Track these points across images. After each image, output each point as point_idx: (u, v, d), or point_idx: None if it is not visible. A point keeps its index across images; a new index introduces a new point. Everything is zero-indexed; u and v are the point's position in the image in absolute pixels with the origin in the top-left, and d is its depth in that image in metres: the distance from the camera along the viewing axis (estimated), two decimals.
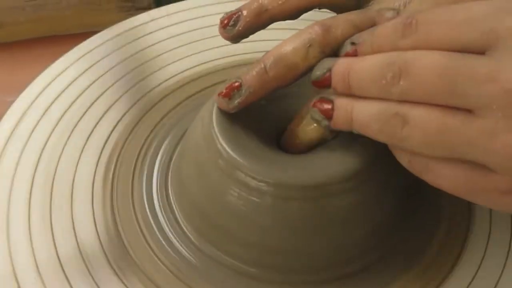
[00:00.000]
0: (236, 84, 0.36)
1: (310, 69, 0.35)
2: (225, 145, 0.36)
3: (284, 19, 0.38)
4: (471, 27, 0.30)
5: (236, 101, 0.36)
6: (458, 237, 0.39)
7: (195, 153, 0.38)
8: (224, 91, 0.36)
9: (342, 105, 0.34)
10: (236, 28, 0.38)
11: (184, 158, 0.40)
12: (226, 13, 0.38)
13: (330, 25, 0.35)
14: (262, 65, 0.35)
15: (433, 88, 0.30)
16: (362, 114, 0.33)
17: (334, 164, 0.35)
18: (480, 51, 0.30)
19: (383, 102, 0.32)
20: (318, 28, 0.35)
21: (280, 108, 0.39)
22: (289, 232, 0.36)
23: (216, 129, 0.36)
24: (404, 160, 0.33)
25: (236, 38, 0.38)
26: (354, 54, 0.34)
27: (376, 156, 0.36)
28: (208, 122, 0.37)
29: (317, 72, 0.35)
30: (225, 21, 0.38)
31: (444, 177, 0.32)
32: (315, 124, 0.36)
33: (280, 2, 0.37)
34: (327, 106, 0.35)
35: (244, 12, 0.38)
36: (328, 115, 0.35)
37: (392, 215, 0.38)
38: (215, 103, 0.37)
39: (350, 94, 0.34)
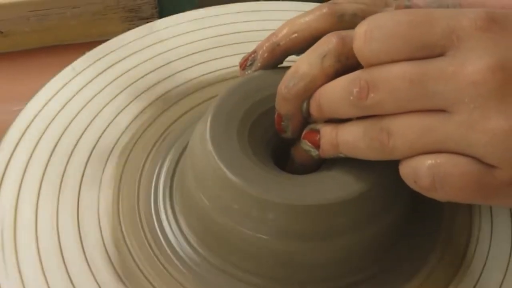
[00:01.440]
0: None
1: (330, 78, 0.35)
2: (222, 165, 0.36)
3: (298, 51, 0.39)
4: (432, 30, 0.31)
5: None
6: (459, 247, 0.40)
7: (194, 167, 0.39)
8: None
9: (327, 132, 0.36)
10: (253, 67, 0.40)
11: (186, 171, 0.40)
12: (244, 57, 0.41)
13: (345, 35, 0.35)
14: (283, 87, 0.37)
15: (406, 95, 0.31)
16: (347, 137, 0.34)
17: (338, 185, 0.36)
18: (441, 53, 0.31)
19: (365, 121, 0.33)
20: (333, 38, 0.35)
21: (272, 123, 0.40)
22: (291, 246, 0.36)
23: (212, 147, 0.37)
24: (410, 181, 0.33)
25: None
26: None
27: (381, 172, 0.36)
28: (203, 139, 0.37)
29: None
30: (243, 63, 0.41)
31: (453, 187, 0.32)
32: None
33: (291, 37, 0.39)
34: (314, 136, 0.36)
35: (259, 51, 0.40)
36: (316, 144, 0.36)
37: (394, 228, 0.38)
38: (209, 116, 0.38)
39: (326, 118, 0.36)
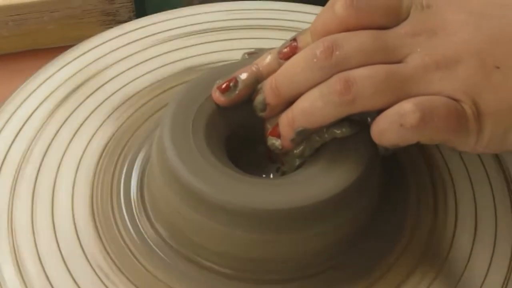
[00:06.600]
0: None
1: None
2: (179, 168, 0.37)
3: None
4: (385, 9, 0.37)
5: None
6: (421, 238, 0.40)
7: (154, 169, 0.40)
8: None
9: (283, 116, 0.37)
10: (234, 95, 0.39)
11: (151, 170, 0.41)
12: (222, 82, 0.39)
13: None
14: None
15: (370, 49, 0.35)
16: (302, 105, 0.36)
17: (298, 190, 0.36)
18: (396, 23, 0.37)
19: (321, 84, 0.35)
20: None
21: (229, 120, 0.40)
22: (256, 246, 0.37)
23: (171, 152, 0.37)
24: (393, 128, 0.34)
25: (235, 102, 0.39)
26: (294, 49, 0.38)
27: (343, 178, 0.37)
28: (161, 145, 0.38)
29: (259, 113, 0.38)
30: (224, 88, 0.39)
31: (441, 117, 0.34)
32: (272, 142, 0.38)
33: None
34: (276, 128, 0.38)
35: (240, 81, 0.39)
36: (277, 134, 0.38)
37: (359, 228, 0.39)
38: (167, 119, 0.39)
39: (285, 101, 0.37)
